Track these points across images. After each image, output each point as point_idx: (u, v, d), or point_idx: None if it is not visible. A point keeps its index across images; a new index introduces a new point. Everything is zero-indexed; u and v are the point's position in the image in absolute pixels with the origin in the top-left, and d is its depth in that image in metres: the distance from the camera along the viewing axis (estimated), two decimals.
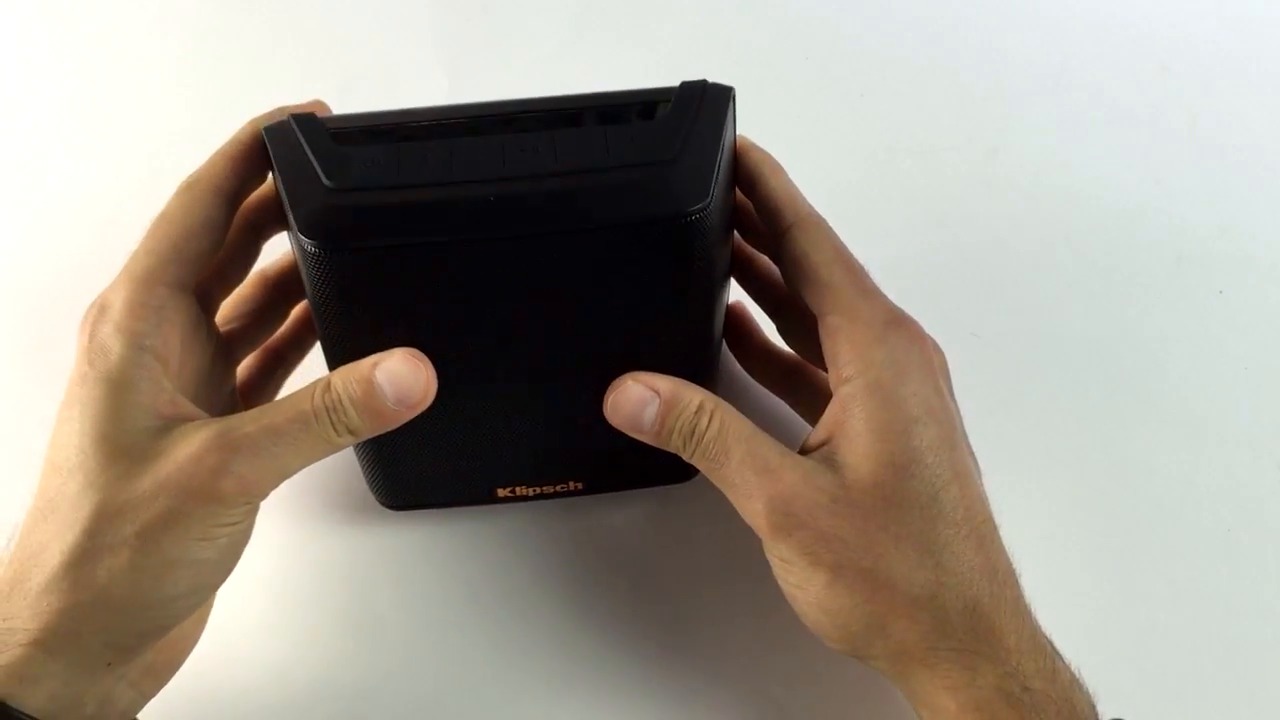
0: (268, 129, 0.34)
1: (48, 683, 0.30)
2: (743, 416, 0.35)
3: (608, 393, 0.36)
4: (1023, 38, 0.59)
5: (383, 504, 0.43)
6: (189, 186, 0.35)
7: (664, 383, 0.35)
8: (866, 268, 0.37)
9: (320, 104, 0.38)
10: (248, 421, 0.32)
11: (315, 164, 0.32)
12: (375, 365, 0.33)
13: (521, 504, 0.43)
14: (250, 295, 0.41)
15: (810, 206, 0.38)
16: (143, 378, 0.32)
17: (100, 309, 0.33)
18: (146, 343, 0.32)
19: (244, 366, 0.42)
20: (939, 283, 0.51)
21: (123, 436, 0.31)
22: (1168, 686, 0.42)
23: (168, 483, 0.31)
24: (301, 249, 0.33)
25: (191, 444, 0.31)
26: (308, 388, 0.33)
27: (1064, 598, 0.43)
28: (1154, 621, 0.43)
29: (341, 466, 0.44)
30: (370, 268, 0.33)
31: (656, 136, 0.33)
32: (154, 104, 0.56)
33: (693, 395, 0.35)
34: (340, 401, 0.33)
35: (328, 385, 0.33)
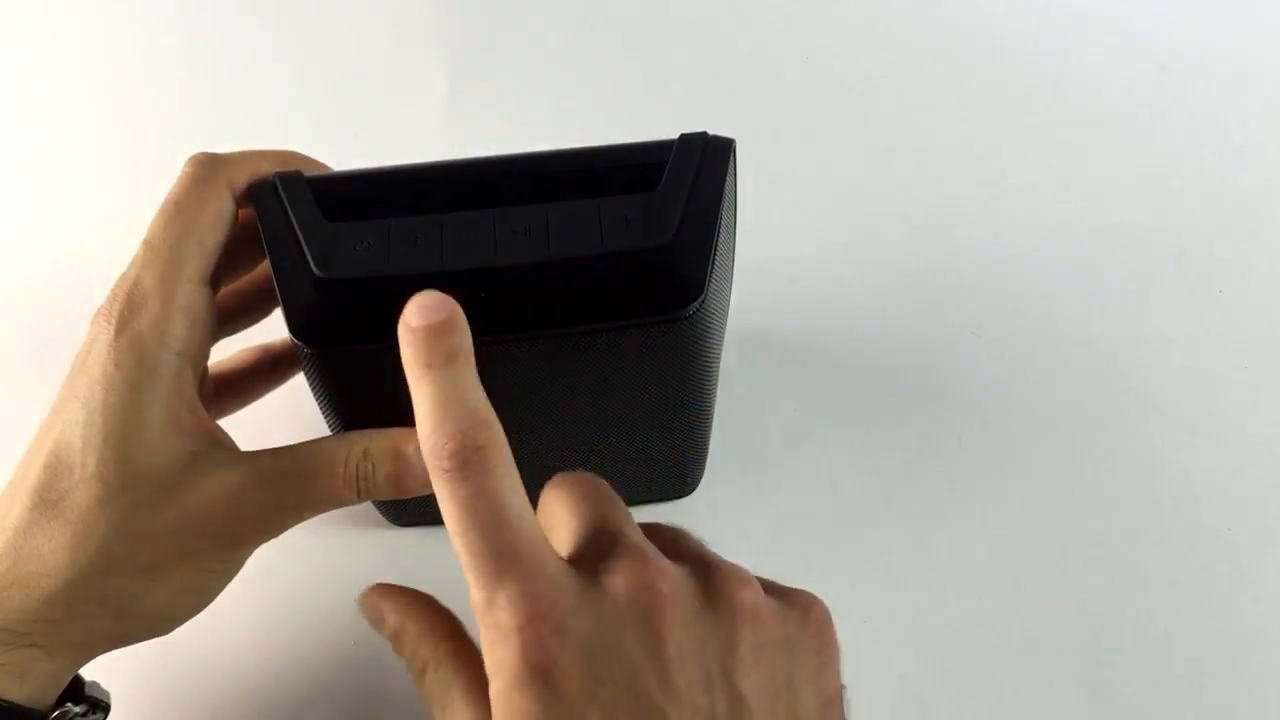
0: (254, 194, 0.33)
1: (39, 677, 0.31)
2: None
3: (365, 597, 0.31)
4: (1023, 38, 0.59)
5: (387, 520, 0.44)
6: (202, 179, 0.33)
7: (393, 617, 0.30)
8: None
9: (296, 156, 0.36)
10: (277, 475, 0.32)
11: (304, 246, 0.31)
12: (409, 441, 0.32)
13: None
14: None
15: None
16: (173, 389, 0.31)
17: (128, 303, 0.31)
18: (180, 348, 0.31)
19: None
20: (939, 283, 0.51)
21: (149, 457, 0.30)
22: (1168, 686, 0.41)
23: (195, 521, 0.31)
24: (294, 344, 0.32)
25: (222, 485, 0.31)
26: (335, 447, 0.33)
27: (1063, 597, 0.43)
28: (1154, 621, 0.43)
29: None
30: (365, 361, 0.32)
31: (652, 213, 0.31)
32: (154, 102, 0.56)
33: (417, 646, 0.30)
34: (373, 473, 0.33)
35: (364, 454, 0.33)
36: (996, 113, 0.56)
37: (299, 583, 0.43)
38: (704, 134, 0.33)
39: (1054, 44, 0.59)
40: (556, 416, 0.36)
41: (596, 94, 0.57)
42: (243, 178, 0.33)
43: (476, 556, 0.25)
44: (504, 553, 0.25)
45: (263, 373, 0.40)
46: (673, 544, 0.29)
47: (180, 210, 0.32)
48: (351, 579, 0.43)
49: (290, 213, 0.32)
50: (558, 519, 0.28)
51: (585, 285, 0.31)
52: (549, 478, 0.35)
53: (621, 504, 0.29)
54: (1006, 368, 0.48)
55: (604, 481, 0.29)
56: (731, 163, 0.33)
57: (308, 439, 0.33)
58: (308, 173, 0.33)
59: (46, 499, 0.30)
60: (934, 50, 0.59)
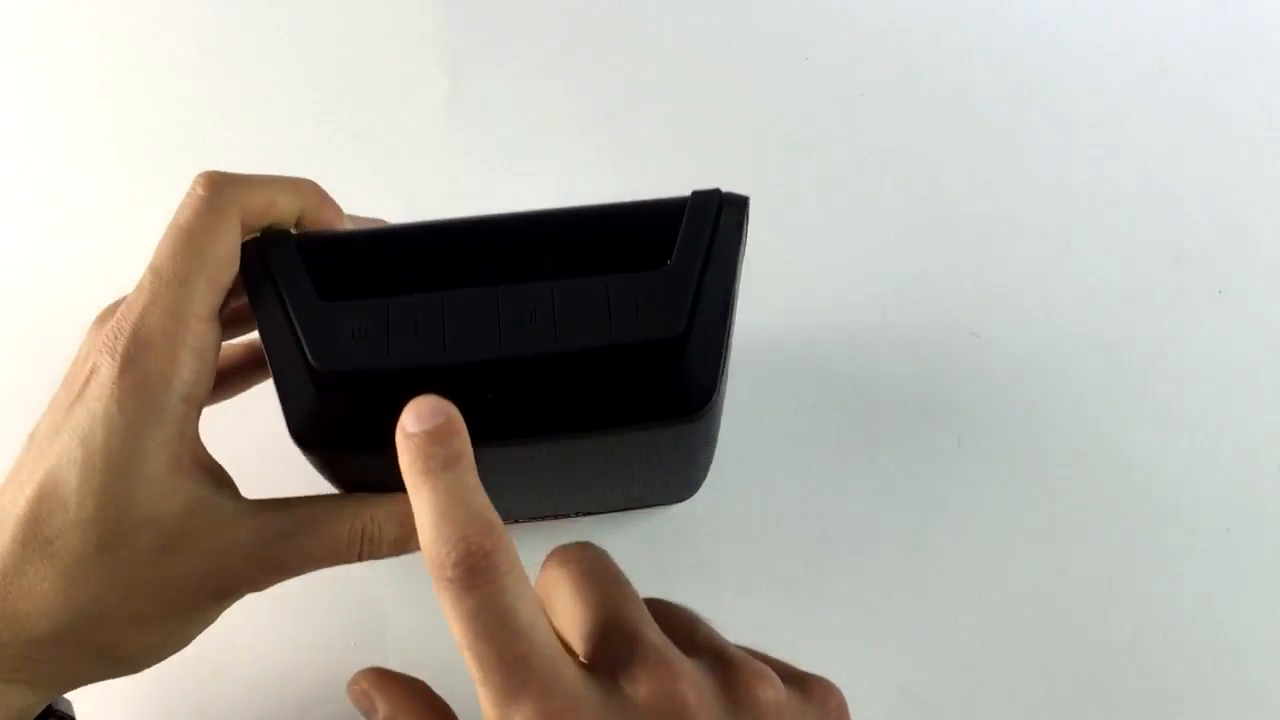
0: (246, 270, 0.31)
1: (20, 709, 0.31)
2: None
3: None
4: (1022, 38, 0.59)
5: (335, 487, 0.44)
6: (215, 207, 0.30)
7: (384, 707, 0.29)
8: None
9: (312, 188, 0.33)
10: (279, 533, 0.31)
11: (300, 335, 0.29)
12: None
13: (522, 523, 0.43)
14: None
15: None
16: (177, 434, 0.30)
17: (135, 340, 0.29)
18: (187, 392, 0.30)
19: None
20: (938, 283, 0.51)
21: (150, 506, 0.29)
22: (1167, 687, 0.42)
23: (192, 575, 0.30)
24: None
25: (222, 539, 0.30)
26: (341, 511, 0.32)
27: (1061, 597, 0.43)
28: (1153, 622, 0.43)
29: None
30: (365, 455, 0.31)
31: (663, 296, 0.29)
32: (152, 102, 0.56)
33: None
34: (378, 536, 0.32)
35: (371, 519, 0.32)
36: (996, 113, 0.56)
37: (298, 583, 0.43)
38: (717, 192, 0.31)
39: (1055, 44, 0.59)
40: (550, 479, 0.36)
41: (597, 95, 0.57)
42: (257, 208, 0.31)
43: (488, 671, 0.23)
44: (517, 666, 0.23)
45: (249, 369, 0.38)
46: (687, 634, 0.27)
47: (192, 240, 0.30)
48: (351, 578, 0.43)
49: (282, 291, 0.30)
50: (562, 603, 0.27)
51: (593, 386, 0.30)
52: (539, 496, 0.34)
53: (630, 587, 0.27)
54: (1005, 368, 0.48)
55: (608, 558, 0.28)
56: (745, 227, 0.31)
57: (309, 494, 0.32)
58: (296, 231, 0.32)
59: (37, 535, 0.29)
60: (932, 50, 0.59)
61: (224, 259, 0.30)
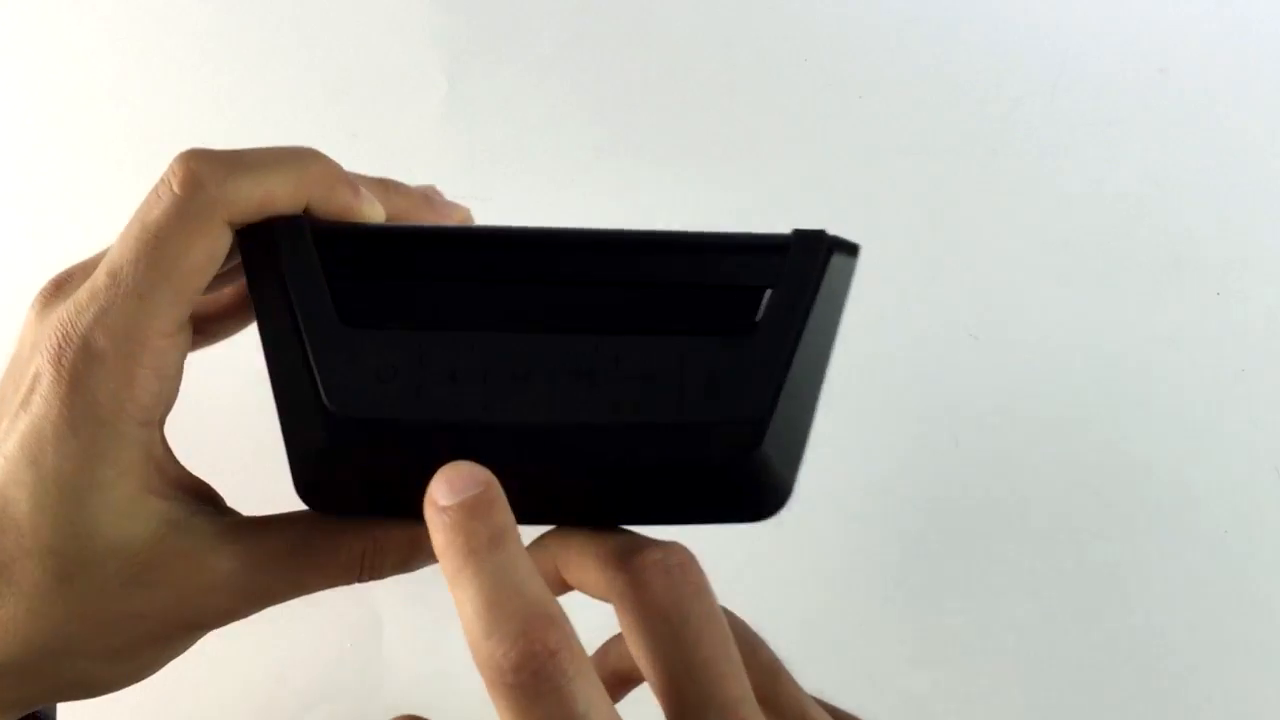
0: (247, 253, 0.26)
1: None
2: None
3: None
4: (1022, 38, 0.59)
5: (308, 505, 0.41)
6: (193, 212, 0.25)
7: None
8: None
9: (328, 170, 0.28)
10: (268, 556, 0.27)
11: (314, 367, 0.24)
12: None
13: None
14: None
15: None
16: (142, 457, 0.26)
17: (84, 354, 0.25)
18: (146, 418, 0.26)
19: None
20: (938, 284, 0.51)
21: (115, 532, 0.25)
22: (1166, 688, 0.42)
23: (169, 606, 0.27)
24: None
25: (202, 568, 0.26)
26: (340, 532, 0.28)
27: (1059, 597, 0.43)
28: (1151, 622, 0.43)
29: None
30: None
31: (749, 369, 0.25)
32: (151, 105, 0.56)
33: None
34: (380, 562, 0.28)
35: (374, 541, 0.28)
36: (996, 113, 0.56)
37: None
38: (824, 235, 0.26)
39: (1054, 44, 0.59)
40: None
41: (596, 96, 0.57)
42: (249, 208, 0.25)
43: None
44: None
45: (239, 313, 0.32)
46: (769, 687, 0.25)
47: (161, 246, 0.25)
48: None
49: (295, 308, 0.25)
50: (648, 637, 0.23)
51: (651, 470, 0.25)
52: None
53: (725, 626, 0.24)
54: (1004, 369, 0.48)
55: (704, 580, 0.24)
56: (849, 284, 0.27)
57: (299, 510, 0.28)
58: (315, 223, 0.26)
59: None
60: (934, 50, 0.59)
61: (199, 269, 0.25)
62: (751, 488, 0.25)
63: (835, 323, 0.26)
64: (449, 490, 0.22)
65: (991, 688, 0.41)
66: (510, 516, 0.23)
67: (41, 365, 0.25)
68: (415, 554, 0.28)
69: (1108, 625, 0.43)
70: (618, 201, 0.50)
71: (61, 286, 0.27)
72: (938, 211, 0.53)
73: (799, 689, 0.25)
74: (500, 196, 0.51)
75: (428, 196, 0.30)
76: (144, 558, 0.26)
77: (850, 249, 0.27)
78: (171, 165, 0.26)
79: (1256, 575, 0.44)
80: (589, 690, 0.21)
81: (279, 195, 0.26)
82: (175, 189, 0.25)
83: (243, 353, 0.41)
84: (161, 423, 0.27)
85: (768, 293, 0.25)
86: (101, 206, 0.53)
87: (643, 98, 0.56)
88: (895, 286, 0.50)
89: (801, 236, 0.26)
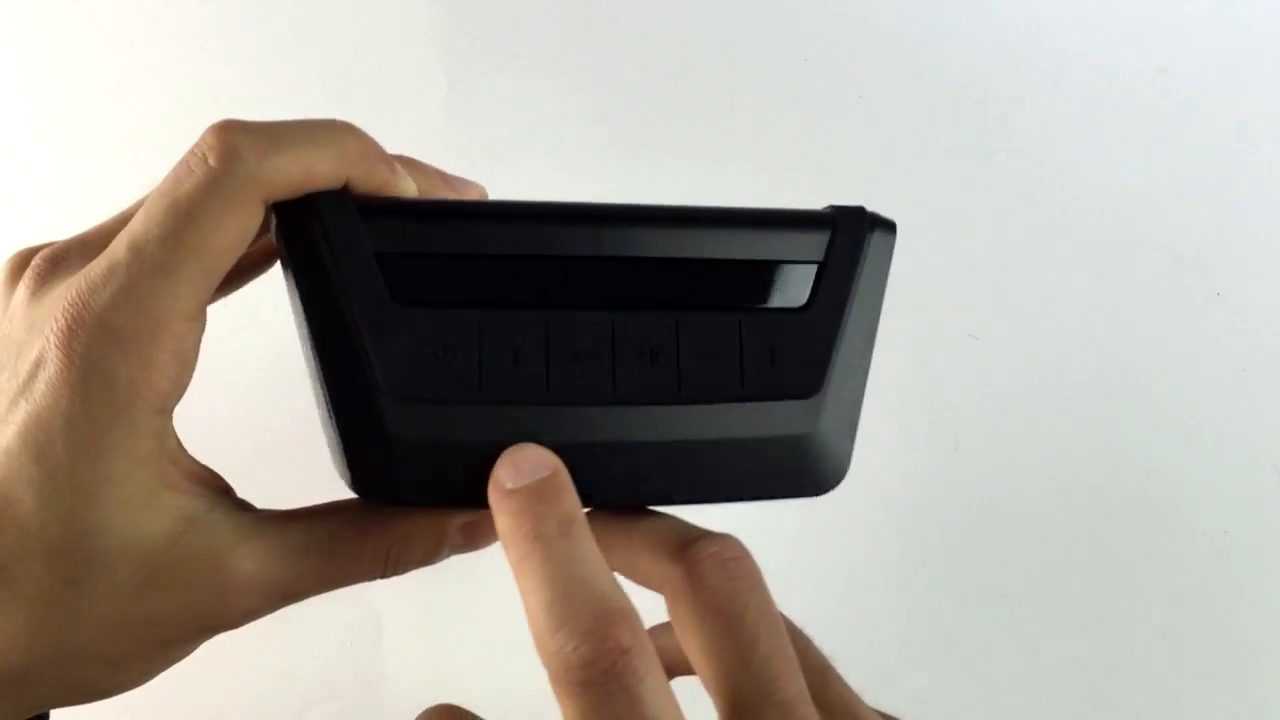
0: (290, 247, 0.24)
1: None
2: None
3: None
4: (1023, 39, 0.59)
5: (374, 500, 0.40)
6: (229, 188, 0.23)
7: None
8: None
9: (367, 146, 0.26)
10: (289, 552, 0.25)
11: (367, 349, 0.23)
12: (453, 519, 0.26)
13: None
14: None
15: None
16: (156, 448, 0.24)
17: (100, 333, 0.23)
18: (163, 405, 0.24)
19: None
20: (938, 284, 0.51)
21: (129, 531, 0.24)
22: (1166, 687, 0.41)
23: (182, 608, 0.25)
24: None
25: (219, 566, 0.25)
26: (366, 527, 0.26)
27: (1061, 598, 0.43)
28: (1151, 622, 0.43)
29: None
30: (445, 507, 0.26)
31: (804, 342, 0.25)
32: (152, 105, 0.56)
33: None
34: (405, 557, 0.27)
35: (402, 538, 0.26)
36: (996, 113, 0.56)
37: None
38: (863, 211, 0.27)
39: (1054, 44, 0.59)
40: None
41: (596, 95, 0.57)
42: (286, 186, 0.24)
43: None
44: None
45: (259, 260, 0.30)
46: (818, 684, 0.24)
47: (192, 223, 0.23)
48: None
49: (342, 286, 0.23)
50: (702, 635, 0.23)
51: (713, 450, 0.25)
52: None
53: (780, 622, 0.23)
54: (1004, 370, 0.48)
55: (760, 576, 0.23)
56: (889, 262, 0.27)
57: (318, 504, 0.27)
58: (357, 198, 0.24)
59: None
60: (934, 50, 0.59)
61: (230, 247, 0.23)
62: (813, 459, 0.25)
63: (880, 297, 0.26)
64: (515, 473, 0.22)
65: (991, 688, 0.41)
66: (579, 504, 0.22)
67: (46, 348, 0.23)
68: (441, 546, 0.27)
69: (1108, 625, 0.43)
70: (618, 201, 0.50)
71: (58, 263, 0.25)
72: (938, 211, 0.53)
73: (848, 688, 0.25)
74: (500, 196, 0.51)
75: (444, 174, 0.29)
76: (159, 558, 0.24)
77: (889, 226, 0.27)
78: (205, 137, 0.24)
79: (1257, 575, 0.44)
80: (659, 693, 0.20)
81: (319, 171, 0.24)
82: (211, 162, 0.23)
83: (244, 336, 0.41)
84: (172, 412, 0.25)
85: (814, 267, 0.25)
86: (101, 206, 0.53)
87: (642, 98, 0.56)
88: (895, 286, 0.50)
89: (843, 212, 0.26)
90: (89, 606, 0.23)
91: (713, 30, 0.59)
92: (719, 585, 0.22)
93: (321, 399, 0.24)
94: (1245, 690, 0.41)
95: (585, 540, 0.21)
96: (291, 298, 0.25)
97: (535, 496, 0.21)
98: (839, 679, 0.25)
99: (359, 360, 0.23)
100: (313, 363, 0.24)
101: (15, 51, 0.58)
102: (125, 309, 0.23)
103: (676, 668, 0.25)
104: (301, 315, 0.24)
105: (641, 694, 0.20)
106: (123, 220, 0.25)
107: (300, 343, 0.25)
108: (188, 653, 0.27)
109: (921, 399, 0.47)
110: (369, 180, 0.25)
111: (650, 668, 0.20)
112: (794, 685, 0.22)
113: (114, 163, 0.54)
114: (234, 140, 0.23)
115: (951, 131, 0.55)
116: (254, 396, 0.37)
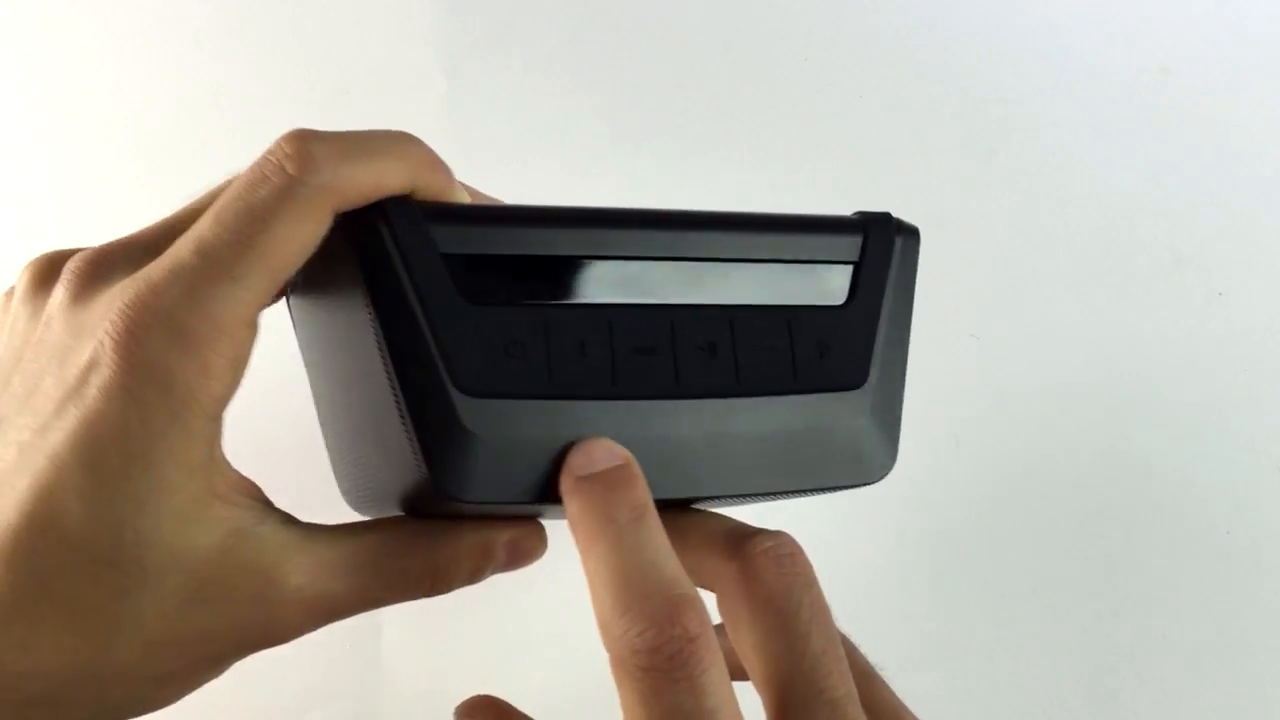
0: (359, 250, 0.24)
1: None
2: None
3: None
4: (1023, 38, 0.59)
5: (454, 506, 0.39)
6: (304, 197, 0.23)
7: None
8: None
9: (433, 162, 0.26)
10: (339, 568, 0.25)
11: (438, 348, 0.23)
12: (502, 534, 0.26)
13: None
14: None
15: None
16: (207, 455, 0.23)
17: (165, 339, 0.22)
18: (217, 413, 0.23)
19: None
20: (938, 284, 0.51)
21: (180, 543, 0.23)
22: (1166, 687, 0.41)
23: (231, 627, 0.24)
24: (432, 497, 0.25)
25: (270, 586, 0.24)
26: (414, 542, 0.26)
27: (1061, 598, 0.43)
28: (1152, 623, 0.43)
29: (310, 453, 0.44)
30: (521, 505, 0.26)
31: (848, 336, 0.26)
32: (151, 105, 0.56)
33: None
34: (452, 574, 0.26)
35: (451, 555, 0.26)
36: (996, 113, 0.56)
37: None
38: (890, 217, 0.28)
39: (1055, 44, 0.59)
40: None
41: (596, 94, 0.57)
42: (358, 196, 0.24)
43: None
44: None
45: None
46: (865, 689, 0.24)
47: (265, 227, 0.23)
48: None
49: (412, 286, 0.24)
50: (754, 632, 0.23)
51: (769, 443, 0.25)
52: None
53: (834, 627, 0.23)
54: (1004, 370, 0.48)
55: (813, 574, 0.24)
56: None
57: (365, 520, 0.27)
58: (421, 205, 0.25)
59: (33, 572, 0.22)
60: (934, 50, 0.59)
61: (297, 254, 0.23)
62: (866, 448, 0.26)
63: (911, 295, 0.28)
64: (589, 461, 0.22)
65: (992, 688, 0.41)
66: (649, 493, 0.22)
67: (100, 351, 0.22)
68: (487, 563, 0.27)
69: (1108, 625, 0.43)
70: (618, 201, 0.50)
71: (102, 266, 0.24)
72: (938, 211, 0.53)
73: (894, 695, 0.25)
74: (500, 196, 0.51)
75: (472, 188, 0.30)
76: (207, 571, 0.23)
77: (914, 231, 0.29)
78: (281, 145, 0.24)
79: (1258, 575, 0.44)
80: (721, 685, 0.20)
81: (388, 181, 0.24)
82: (289, 170, 0.23)
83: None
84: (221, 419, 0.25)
85: (851, 267, 0.27)
86: (101, 206, 0.53)
87: (642, 98, 0.56)
88: None
89: (871, 217, 0.28)
90: (135, 622, 0.23)
91: (713, 30, 0.59)
92: (774, 581, 0.23)
93: (385, 404, 0.24)
94: (1246, 690, 0.41)
95: (655, 528, 0.21)
96: (337, 307, 0.25)
97: (608, 483, 0.22)
98: (885, 685, 0.25)
99: (432, 358, 0.23)
100: (377, 366, 0.24)
101: (14, 51, 0.58)
102: (190, 311, 0.22)
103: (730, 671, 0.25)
104: (368, 319, 0.24)
105: (705, 683, 0.20)
106: (168, 227, 0.25)
107: (326, 355, 0.26)
108: (224, 670, 0.26)
109: (921, 399, 0.47)
110: (430, 188, 0.25)
111: (715, 659, 0.20)
112: (845, 685, 0.22)
113: (114, 163, 0.54)
114: (311, 149, 0.23)
115: (952, 131, 0.55)
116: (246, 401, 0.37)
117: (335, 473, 0.33)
